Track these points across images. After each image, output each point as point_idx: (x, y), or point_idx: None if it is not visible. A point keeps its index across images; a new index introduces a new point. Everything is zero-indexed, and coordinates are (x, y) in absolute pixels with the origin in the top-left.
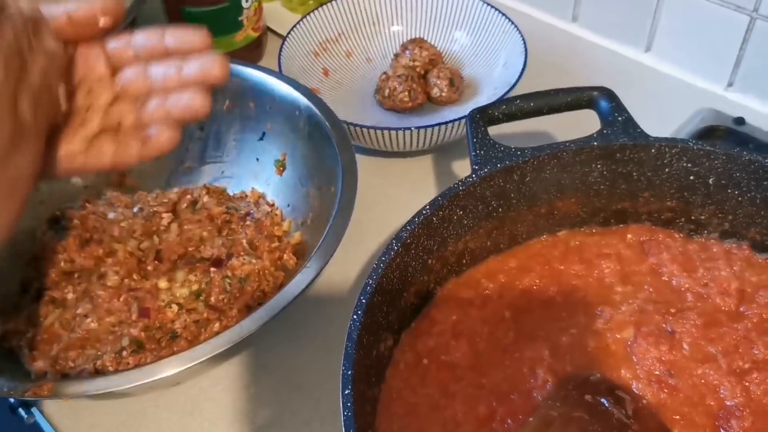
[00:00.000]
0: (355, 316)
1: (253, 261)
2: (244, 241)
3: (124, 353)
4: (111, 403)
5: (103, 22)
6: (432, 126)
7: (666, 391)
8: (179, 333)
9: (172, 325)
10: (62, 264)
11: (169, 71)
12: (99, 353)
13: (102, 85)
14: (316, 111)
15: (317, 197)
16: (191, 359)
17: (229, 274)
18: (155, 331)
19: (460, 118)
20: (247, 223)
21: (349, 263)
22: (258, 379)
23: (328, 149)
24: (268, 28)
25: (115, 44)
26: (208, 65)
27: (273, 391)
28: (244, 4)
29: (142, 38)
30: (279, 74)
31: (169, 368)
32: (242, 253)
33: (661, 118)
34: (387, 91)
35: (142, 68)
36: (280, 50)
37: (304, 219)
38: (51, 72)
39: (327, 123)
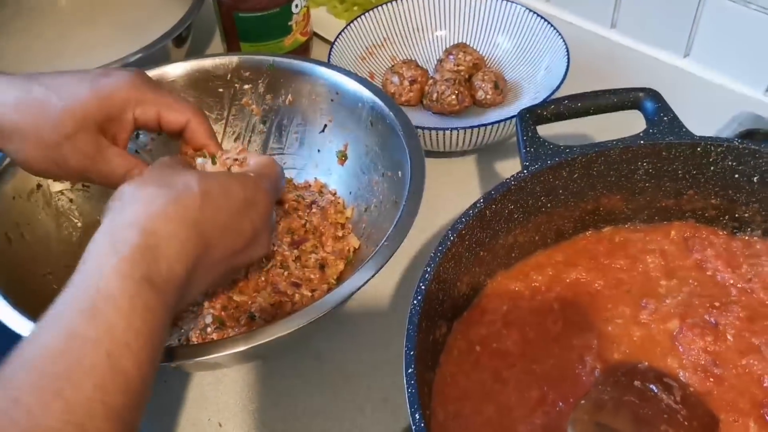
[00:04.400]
0: (415, 301)
1: (321, 246)
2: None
3: (209, 329)
4: (173, 386)
5: None
6: (479, 126)
7: (712, 380)
8: (256, 315)
9: (248, 306)
10: None
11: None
12: (182, 330)
13: None
14: (379, 101)
15: (381, 184)
16: (280, 331)
17: (301, 259)
18: (233, 310)
19: (507, 119)
20: (313, 210)
21: (395, 259)
22: (311, 368)
23: (392, 138)
24: (314, 33)
25: None
26: None
27: (326, 379)
28: (294, 10)
29: None
30: (340, 68)
31: (249, 341)
32: (311, 239)
33: (700, 123)
34: (435, 95)
35: None
36: (329, 55)
37: (368, 206)
38: None
39: (390, 112)
